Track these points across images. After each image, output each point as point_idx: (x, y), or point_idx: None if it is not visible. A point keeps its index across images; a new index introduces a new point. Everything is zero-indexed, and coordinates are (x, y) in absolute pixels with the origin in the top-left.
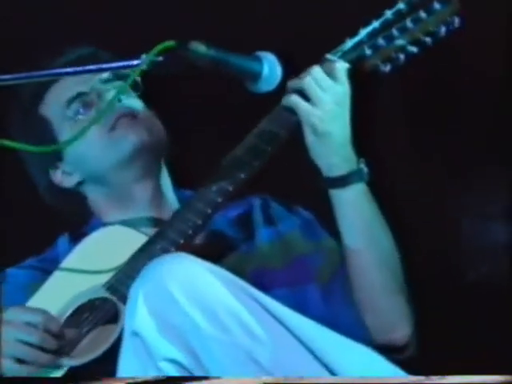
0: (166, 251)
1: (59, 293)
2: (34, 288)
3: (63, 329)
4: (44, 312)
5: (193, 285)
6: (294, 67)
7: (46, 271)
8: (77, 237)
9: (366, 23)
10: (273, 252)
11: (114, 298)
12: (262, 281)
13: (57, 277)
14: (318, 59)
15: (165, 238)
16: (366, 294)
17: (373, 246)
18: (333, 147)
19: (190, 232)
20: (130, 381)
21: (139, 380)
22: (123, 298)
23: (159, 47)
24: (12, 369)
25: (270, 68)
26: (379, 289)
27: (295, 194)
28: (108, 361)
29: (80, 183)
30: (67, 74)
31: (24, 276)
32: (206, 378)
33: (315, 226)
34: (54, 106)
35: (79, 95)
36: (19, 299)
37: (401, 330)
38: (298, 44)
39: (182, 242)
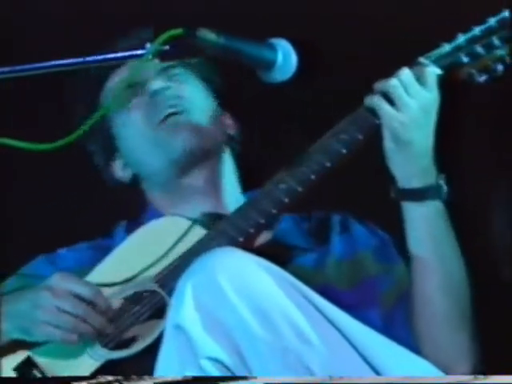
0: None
1: (108, 280)
2: (82, 273)
3: (110, 308)
4: (92, 286)
5: (243, 279)
6: (312, 56)
7: (98, 258)
8: (134, 225)
9: (465, 29)
10: (342, 270)
11: (163, 292)
12: (325, 298)
13: (107, 264)
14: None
15: (223, 234)
16: (427, 322)
17: (441, 269)
18: (412, 157)
19: (252, 230)
20: (159, 380)
21: (168, 379)
22: (173, 293)
23: (165, 35)
24: (46, 334)
25: (285, 56)
26: (441, 318)
27: (374, 213)
28: (149, 356)
29: (135, 176)
30: (66, 65)
31: (74, 260)
32: (244, 378)
33: (390, 248)
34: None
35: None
36: None
37: (459, 369)
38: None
39: (241, 240)
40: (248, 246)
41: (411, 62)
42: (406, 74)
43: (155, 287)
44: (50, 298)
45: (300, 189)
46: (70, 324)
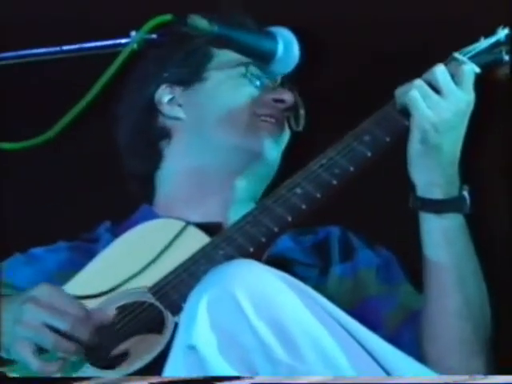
0: (230, 258)
1: (95, 287)
2: (63, 277)
3: (99, 327)
4: (82, 305)
5: (264, 295)
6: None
7: (80, 261)
8: (120, 227)
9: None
10: (343, 290)
11: (161, 306)
12: None
13: (94, 269)
14: None
15: (231, 242)
16: (438, 346)
17: (458, 289)
18: (438, 163)
19: (264, 240)
20: (154, 380)
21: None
22: (173, 306)
23: (152, 22)
24: (23, 354)
25: (286, 47)
26: (458, 343)
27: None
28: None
29: (178, 120)
30: (43, 54)
31: (53, 262)
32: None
33: (393, 267)
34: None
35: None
36: None
37: None
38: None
39: (251, 250)
40: (258, 258)
41: (446, 58)
42: (441, 71)
43: (152, 300)
44: (33, 310)
45: (319, 195)
46: (50, 345)
